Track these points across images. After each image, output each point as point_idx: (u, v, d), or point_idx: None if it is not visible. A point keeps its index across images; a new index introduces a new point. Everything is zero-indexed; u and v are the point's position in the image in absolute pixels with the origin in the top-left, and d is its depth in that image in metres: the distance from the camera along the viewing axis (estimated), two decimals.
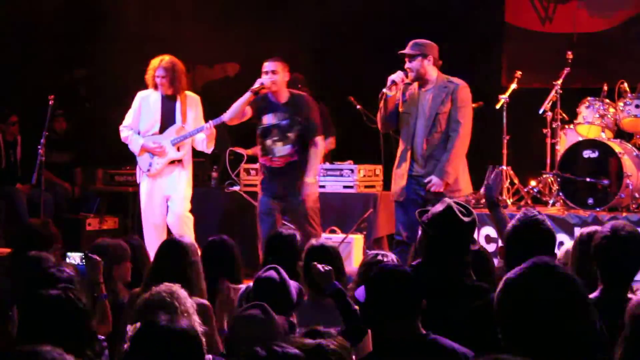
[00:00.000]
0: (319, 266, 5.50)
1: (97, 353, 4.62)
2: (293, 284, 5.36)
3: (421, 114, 8.61)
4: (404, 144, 8.69)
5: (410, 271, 4.65)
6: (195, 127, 9.28)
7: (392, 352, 4.30)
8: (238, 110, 8.95)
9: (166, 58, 9.25)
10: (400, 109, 8.69)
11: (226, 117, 9.08)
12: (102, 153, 12.80)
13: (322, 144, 9.26)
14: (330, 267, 5.51)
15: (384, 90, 8.53)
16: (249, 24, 12.82)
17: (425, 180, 8.50)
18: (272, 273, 5.28)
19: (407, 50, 8.60)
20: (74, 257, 6.47)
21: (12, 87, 12.47)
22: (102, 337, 5.33)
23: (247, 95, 8.90)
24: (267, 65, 9.02)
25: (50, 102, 10.73)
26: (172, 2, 13.03)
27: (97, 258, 6.07)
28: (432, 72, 8.65)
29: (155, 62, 9.25)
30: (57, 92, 10.95)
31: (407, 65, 8.60)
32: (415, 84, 8.67)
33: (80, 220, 11.71)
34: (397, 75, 8.54)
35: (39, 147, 10.75)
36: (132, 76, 10.50)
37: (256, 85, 8.91)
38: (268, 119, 9.07)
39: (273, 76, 8.96)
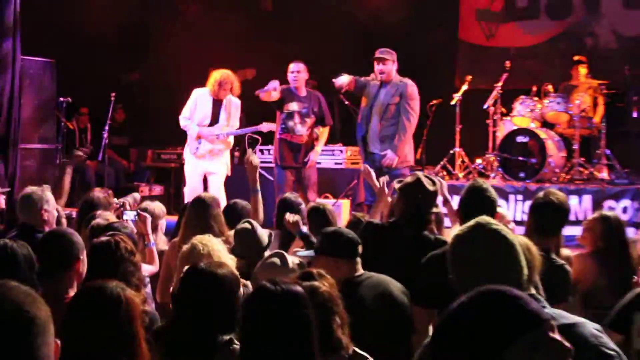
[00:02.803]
0: (290, 216, 5.53)
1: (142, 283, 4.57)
2: (265, 231, 5.31)
3: (375, 105, 8.64)
4: (363, 128, 8.79)
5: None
6: (233, 126, 9.27)
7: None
8: (267, 92, 8.96)
9: (227, 76, 9.17)
10: (363, 103, 8.79)
11: (261, 94, 9.05)
12: (151, 137, 12.75)
13: (327, 130, 9.39)
14: (298, 217, 5.54)
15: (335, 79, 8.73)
16: (262, 40, 12.81)
17: (382, 154, 8.56)
18: (246, 224, 5.27)
19: (385, 55, 8.62)
20: (130, 215, 6.41)
21: (83, 87, 12.48)
22: (147, 274, 5.38)
23: (273, 86, 8.93)
24: (293, 67, 9.06)
25: (112, 98, 10.73)
26: (205, 23, 12.99)
27: (147, 215, 6.00)
28: (395, 75, 8.70)
29: (221, 77, 9.09)
30: (117, 90, 10.95)
31: (382, 67, 8.60)
32: (377, 82, 8.68)
33: (134, 188, 11.66)
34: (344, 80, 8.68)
35: (104, 132, 10.75)
36: (172, 79, 10.52)
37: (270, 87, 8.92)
38: (292, 106, 9.08)
39: (298, 75, 9.02)
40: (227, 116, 9.24)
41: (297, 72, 9.02)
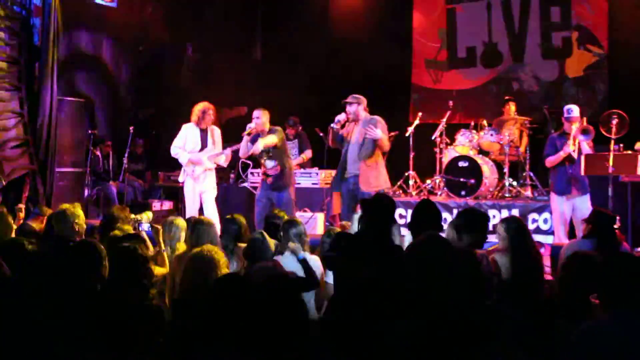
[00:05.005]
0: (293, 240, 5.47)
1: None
2: (273, 241, 5.33)
3: (353, 140, 8.50)
4: (342, 158, 8.64)
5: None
6: (218, 150, 9.20)
7: None
8: (244, 149, 8.84)
9: (208, 105, 9.18)
10: (345, 135, 8.62)
11: (240, 154, 8.91)
12: (162, 162, 12.67)
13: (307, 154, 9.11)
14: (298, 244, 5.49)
15: (332, 125, 8.52)
16: (252, 83, 12.82)
17: (355, 173, 8.41)
18: (259, 235, 5.31)
19: (349, 100, 8.58)
20: (144, 226, 6.36)
21: (109, 123, 12.48)
22: (159, 275, 5.37)
23: (245, 139, 8.77)
24: (255, 113, 8.85)
25: (131, 130, 10.72)
26: (206, 70, 13.02)
27: (158, 226, 5.98)
28: (362, 114, 8.55)
29: (203, 106, 9.10)
30: (135, 124, 10.95)
31: (348, 109, 8.54)
32: (352, 122, 8.62)
33: (149, 204, 11.66)
34: (341, 116, 8.52)
35: (124, 159, 10.75)
36: (180, 115, 10.46)
37: (247, 130, 8.74)
38: None
39: (258, 120, 8.80)
40: (212, 141, 9.21)
41: (256, 117, 8.85)
